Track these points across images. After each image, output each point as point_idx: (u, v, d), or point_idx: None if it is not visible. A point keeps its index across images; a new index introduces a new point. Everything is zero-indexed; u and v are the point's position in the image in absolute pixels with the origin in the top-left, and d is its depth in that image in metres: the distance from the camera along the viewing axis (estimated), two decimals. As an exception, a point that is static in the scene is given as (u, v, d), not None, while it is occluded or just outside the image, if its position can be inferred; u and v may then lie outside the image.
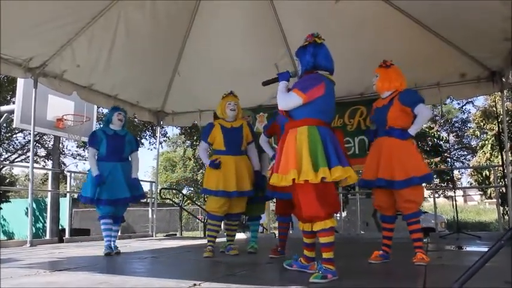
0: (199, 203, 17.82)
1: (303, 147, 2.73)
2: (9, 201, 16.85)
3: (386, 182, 3.36)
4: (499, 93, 6.53)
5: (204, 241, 4.84)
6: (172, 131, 24.80)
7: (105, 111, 15.40)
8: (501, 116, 7.76)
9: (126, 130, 4.84)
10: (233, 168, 4.14)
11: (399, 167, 3.34)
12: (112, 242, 4.62)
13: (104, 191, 4.43)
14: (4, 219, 17.82)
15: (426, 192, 18.98)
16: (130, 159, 4.77)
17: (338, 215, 12.06)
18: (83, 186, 4.67)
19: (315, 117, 2.82)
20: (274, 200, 4.69)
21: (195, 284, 2.48)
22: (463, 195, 31.63)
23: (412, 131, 3.44)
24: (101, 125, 4.83)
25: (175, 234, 11.39)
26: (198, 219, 18.53)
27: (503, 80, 6.03)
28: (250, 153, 4.40)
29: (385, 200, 3.53)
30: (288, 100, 2.86)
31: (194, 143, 19.56)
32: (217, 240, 4.38)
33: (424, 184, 4.02)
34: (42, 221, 16.14)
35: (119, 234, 7.97)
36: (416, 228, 3.42)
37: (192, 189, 26.54)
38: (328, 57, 2.98)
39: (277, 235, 5.84)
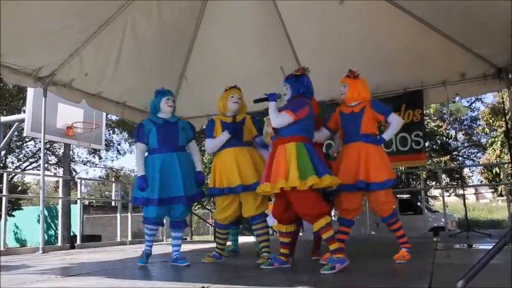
0: (209, 207, 17.84)
1: (291, 160, 3.17)
2: (22, 209, 16.98)
3: (366, 185, 3.49)
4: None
5: (214, 245, 4.86)
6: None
7: (114, 118, 15.66)
8: (509, 113, 7.72)
9: (178, 116, 4.10)
10: (233, 161, 3.86)
11: (375, 171, 3.51)
12: (174, 253, 3.83)
13: (156, 188, 3.65)
14: (17, 227, 18.00)
15: (436, 191, 18.96)
16: (187, 150, 4.01)
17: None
18: (135, 187, 3.88)
19: (300, 135, 3.29)
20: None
21: (203, 287, 2.52)
22: (474, 193, 31.37)
23: (386, 136, 3.69)
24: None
25: (186, 239, 11.44)
26: (208, 224, 18.58)
27: (510, 76, 6.02)
28: (257, 147, 4.09)
29: (353, 204, 3.66)
30: (281, 119, 3.29)
31: (202, 148, 19.63)
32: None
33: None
34: (54, 228, 16.29)
35: (130, 239, 8.09)
36: (398, 226, 3.63)
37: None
38: (312, 87, 3.51)
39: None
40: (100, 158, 20.54)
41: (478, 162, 20.14)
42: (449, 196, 20.16)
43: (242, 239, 5.09)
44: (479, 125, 20.26)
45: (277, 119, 3.30)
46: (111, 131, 18.21)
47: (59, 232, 8.19)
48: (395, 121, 3.67)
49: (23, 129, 7.98)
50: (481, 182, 18.86)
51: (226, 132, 3.95)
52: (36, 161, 18.21)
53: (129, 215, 8.37)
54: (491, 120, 17.07)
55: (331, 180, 3.18)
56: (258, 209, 3.91)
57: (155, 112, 3.98)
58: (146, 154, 3.87)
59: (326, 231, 3.14)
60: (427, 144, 15.22)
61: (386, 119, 3.66)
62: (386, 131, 3.69)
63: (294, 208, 3.24)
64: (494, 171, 16.34)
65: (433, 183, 15.75)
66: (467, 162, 20.67)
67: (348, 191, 3.59)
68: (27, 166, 18.64)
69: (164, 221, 4.32)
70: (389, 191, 3.64)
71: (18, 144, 17.27)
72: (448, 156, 17.32)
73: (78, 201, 8.60)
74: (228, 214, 3.98)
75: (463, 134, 21.12)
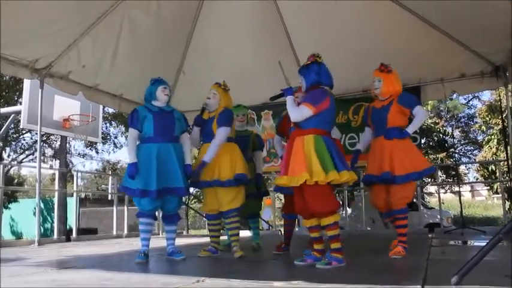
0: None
1: (310, 153, 3.08)
2: (18, 201, 16.98)
3: (392, 177, 3.53)
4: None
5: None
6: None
7: (111, 110, 15.60)
8: (506, 111, 7.74)
9: (172, 106, 4.00)
10: (202, 157, 3.89)
11: (399, 164, 3.53)
12: (169, 247, 3.82)
13: (154, 180, 3.55)
14: (13, 219, 17.99)
15: (432, 188, 19.05)
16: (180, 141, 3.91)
17: (344, 211, 12.14)
18: (125, 175, 3.75)
19: (320, 128, 3.18)
20: (281, 197, 4.73)
21: (198, 280, 2.52)
22: (470, 191, 31.46)
23: (410, 130, 3.68)
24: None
25: (182, 233, 11.47)
26: (204, 217, 18.60)
27: (507, 74, 6.03)
28: None
29: (382, 197, 3.70)
30: (300, 113, 3.18)
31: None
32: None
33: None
34: (50, 221, 16.28)
35: (126, 232, 8.09)
36: (404, 223, 3.65)
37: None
38: (329, 74, 3.32)
39: (282, 232, 5.87)
40: (97, 151, 20.50)
41: (474, 159, 20.22)
42: (445, 193, 20.21)
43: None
44: (476, 122, 20.33)
45: (296, 113, 3.21)
46: (107, 124, 18.15)
47: (55, 225, 8.14)
48: (420, 114, 3.68)
49: (19, 121, 7.95)
50: (477, 179, 18.92)
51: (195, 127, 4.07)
52: (33, 153, 18.14)
53: (125, 208, 8.37)
54: (488, 118, 17.12)
55: (349, 176, 3.10)
56: (231, 204, 3.89)
57: (150, 100, 3.86)
58: (138, 142, 3.76)
59: (333, 229, 3.13)
60: (423, 140, 15.27)
61: (411, 111, 3.67)
62: (410, 124, 3.69)
63: (307, 202, 3.16)
64: (490, 168, 16.42)
65: (429, 179, 15.78)
66: (464, 159, 20.75)
67: (373, 184, 3.70)
68: (23, 158, 18.58)
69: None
70: (412, 185, 3.68)
71: (15, 136, 17.20)
72: (444, 153, 17.37)
73: (75, 194, 8.57)
74: (215, 207, 4.00)
75: (459, 131, 21.19)
